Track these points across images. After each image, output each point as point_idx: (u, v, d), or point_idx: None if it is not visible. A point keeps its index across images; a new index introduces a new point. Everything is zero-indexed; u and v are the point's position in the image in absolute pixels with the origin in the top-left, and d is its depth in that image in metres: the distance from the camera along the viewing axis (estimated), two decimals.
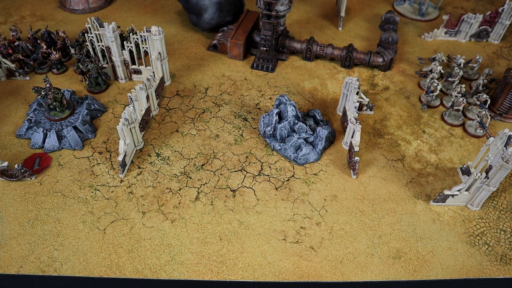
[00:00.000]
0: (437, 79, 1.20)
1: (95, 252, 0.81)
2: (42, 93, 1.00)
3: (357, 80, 1.02)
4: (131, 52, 1.15)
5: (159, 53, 1.11)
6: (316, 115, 1.07)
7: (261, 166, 0.98)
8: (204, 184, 0.94)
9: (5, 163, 0.89)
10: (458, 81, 1.20)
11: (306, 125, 1.03)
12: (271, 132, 1.02)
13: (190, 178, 0.95)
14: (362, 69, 1.30)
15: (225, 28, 1.35)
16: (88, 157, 0.99)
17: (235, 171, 0.97)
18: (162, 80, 1.15)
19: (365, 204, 0.91)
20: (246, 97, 1.17)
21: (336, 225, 0.87)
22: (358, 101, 1.03)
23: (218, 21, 1.35)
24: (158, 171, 0.96)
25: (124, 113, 0.91)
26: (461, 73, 1.19)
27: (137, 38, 1.12)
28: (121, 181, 0.94)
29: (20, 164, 0.90)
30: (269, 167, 0.98)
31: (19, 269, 0.78)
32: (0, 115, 1.09)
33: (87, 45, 1.17)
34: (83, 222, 0.86)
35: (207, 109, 1.13)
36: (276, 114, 1.02)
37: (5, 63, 1.17)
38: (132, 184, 0.93)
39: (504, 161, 0.80)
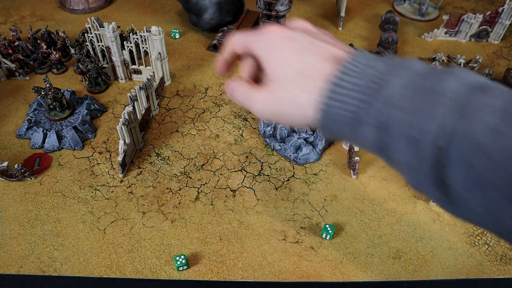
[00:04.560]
0: None
1: (95, 252, 0.81)
2: (42, 93, 1.00)
3: None
4: (131, 52, 1.15)
5: (159, 53, 1.11)
6: None
7: (261, 166, 0.98)
8: (204, 184, 0.94)
9: (5, 163, 0.89)
10: None
11: None
12: (271, 132, 1.02)
13: (190, 178, 0.95)
14: None
15: (225, 28, 1.35)
16: (88, 157, 0.99)
17: (235, 171, 0.97)
18: (162, 80, 1.15)
19: (365, 204, 0.91)
20: None
21: (336, 225, 0.87)
22: None
23: (218, 21, 1.35)
24: (158, 171, 0.96)
25: (124, 113, 0.91)
26: None
27: (137, 38, 1.12)
28: (121, 181, 0.94)
29: (20, 164, 0.90)
30: (269, 167, 0.98)
31: (19, 269, 0.78)
32: (0, 115, 1.09)
33: (87, 45, 1.17)
34: (83, 222, 0.86)
35: (207, 109, 1.13)
36: None
37: (5, 63, 1.17)
38: (132, 184, 0.93)
39: None
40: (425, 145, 0.30)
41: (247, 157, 1.00)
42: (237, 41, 0.43)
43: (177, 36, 1.38)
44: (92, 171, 0.96)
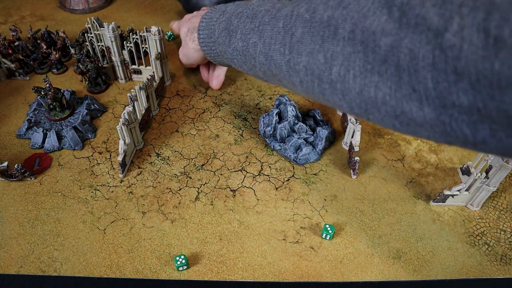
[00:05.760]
0: None
1: (95, 252, 0.81)
2: (42, 93, 1.00)
3: None
4: (131, 52, 1.15)
5: (159, 53, 1.11)
6: (316, 115, 1.07)
7: (261, 166, 0.98)
8: (204, 184, 0.94)
9: (5, 163, 0.89)
10: None
11: (306, 125, 1.03)
12: (271, 132, 1.02)
13: (190, 178, 0.95)
14: None
15: None
16: (88, 157, 0.99)
17: (235, 171, 0.97)
18: (162, 80, 1.15)
19: (365, 204, 0.91)
20: (246, 97, 1.17)
21: (336, 225, 0.87)
22: None
23: None
24: (158, 171, 0.96)
25: (124, 113, 0.91)
26: None
27: (137, 38, 1.12)
28: (121, 181, 0.94)
29: (20, 164, 0.90)
30: (269, 167, 0.98)
31: (19, 269, 0.78)
32: (0, 115, 1.09)
33: (87, 45, 1.17)
34: (83, 222, 0.86)
35: (207, 109, 1.13)
36: (276, 114, 1.02)
37: (5, 63, 1.17)
38: (132, 184, 0.93)
39: (504, 161, 0.80)
40: (230, 55, 0.74)
41: (247, 157, 1.00)
42: (174, 25, 1.07)
43: (168, 35, 1.38)
44: (92, 171, 0.96)
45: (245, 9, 0.66)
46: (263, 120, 1.04)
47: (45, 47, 1.20)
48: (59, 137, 1.00)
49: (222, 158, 1.00)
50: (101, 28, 1.09)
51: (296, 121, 1.01)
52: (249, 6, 0.66)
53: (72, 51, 1.18)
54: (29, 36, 1.26)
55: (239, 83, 1.21)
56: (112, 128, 1.07)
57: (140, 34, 1.11)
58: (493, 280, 0.80)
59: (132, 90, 0.99)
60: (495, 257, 0.83)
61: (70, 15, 1.50)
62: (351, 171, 0.97)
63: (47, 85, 1.00)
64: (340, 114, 1.13)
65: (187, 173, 0.96)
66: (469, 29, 0.31)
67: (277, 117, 1.02)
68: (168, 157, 1.00)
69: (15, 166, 0.89)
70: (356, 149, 0.93)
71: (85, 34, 1.14)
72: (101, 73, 1.15)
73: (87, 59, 1.12)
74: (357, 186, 0.95)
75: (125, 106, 1.09)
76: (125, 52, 1.14)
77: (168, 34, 1.35)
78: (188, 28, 0.88)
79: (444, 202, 0.91)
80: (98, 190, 0.92)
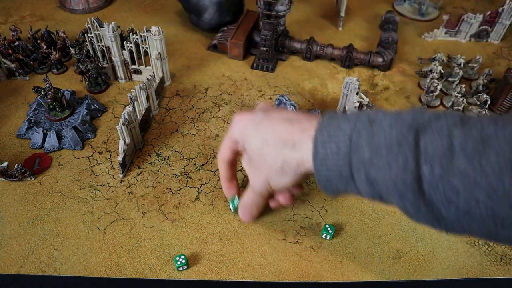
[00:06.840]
0: (437, 79, 1.21)
1: (95, 252, 0.81)
2: (42, 93, 1.00)
3: (357, 80, 1.02)
4: (131, 52, 1.15)
5: (159, 53, 1.11)
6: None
7: None
8: (204, 184, 0.94)
9: (5, 163, 0.89)
10: (458, 81, 1.20)
11: None
12: None
13: (190, 178, 0.95)
14: (362, 69, 1.30)
15: (225, 28, 1.35)
16: (88, 157, 0.99)
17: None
18: (162, 80, 1.16)
19: (365, 204, 0.91)
20: (246, 97, 1.17)
21: (336, 225, 0.87)
22: (358, 101, 1.03)
23: (218, 21, 1.35)
24: (158, 171, 0.96)
25: (124, 113, 0.91)
26: (461, 73, 1.19)
27: (137, 38, 1.12)
28: (121, 181, 0.94)
29: (20, 164, 0.90)
30: None
31: (19, 269, 0.78)
32: (0, 115, 1.09)
33: (87, 45, 1.17)
34: (83, 222, 0.86)
35: (207, 109, 1.13)
36: None
37: (5, 63, 1.17)
38: (132, 184, 0.93)
39: None
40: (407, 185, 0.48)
41: None
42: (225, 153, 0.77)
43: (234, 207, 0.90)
44: (92, 171, 0.96)
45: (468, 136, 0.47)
46: None
47: (45, 47, 1.20)
48: (59, 137, 1.00)
49: None
50: (101, 28, 1.09)
51: None
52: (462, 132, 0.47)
53: (72, 51, 1.18)
54: (29, 36, 1.26)
55: (239, 83, 1.21)
56: (112, 128, 1.07)
57: (140, 34, 1.11)
58: (493, 280, 0.80)
59: (132, 90, 0.99)
60: (495, 257, 0.83)
61: (70, 15, 1.50)
62: None
63: (47, 85, 1.00)
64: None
65: (187, 173, 0.96)
66: None
67: None
68: (168, 157, 1.00)
69: (15, 166, 0.89)
70: None
71: (85, 34, 1.14)
72: (101, 73, 1.15)
73: (87, 59, 1.13)
74: None
75: (125, 106, 1.09)
76: (125, 52, 1.14)
77: (235, 205, 0.86)
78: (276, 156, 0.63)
79: None
80: (98, 190, 0.92)
